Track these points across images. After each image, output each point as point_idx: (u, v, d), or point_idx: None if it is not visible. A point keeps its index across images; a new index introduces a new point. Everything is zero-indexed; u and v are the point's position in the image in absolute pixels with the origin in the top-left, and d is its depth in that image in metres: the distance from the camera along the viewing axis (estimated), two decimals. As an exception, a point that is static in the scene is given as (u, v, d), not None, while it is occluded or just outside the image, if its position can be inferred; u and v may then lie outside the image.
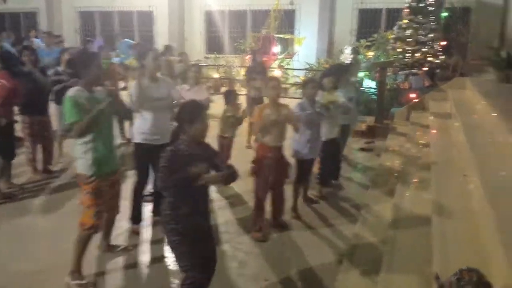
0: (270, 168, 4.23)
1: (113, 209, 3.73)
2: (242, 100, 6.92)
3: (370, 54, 11.93)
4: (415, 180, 5.06)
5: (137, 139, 4.23)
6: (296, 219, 4.74)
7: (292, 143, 4.75)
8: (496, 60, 7.94)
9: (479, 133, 5.33)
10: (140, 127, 4.17)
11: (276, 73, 12.37)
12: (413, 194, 4.70)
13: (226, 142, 5.65)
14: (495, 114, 5.35)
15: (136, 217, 4.40)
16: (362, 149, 7.71)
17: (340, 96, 5.16)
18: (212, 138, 4.05)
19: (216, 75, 13.31)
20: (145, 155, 4.16)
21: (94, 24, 16.60)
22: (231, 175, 2.84)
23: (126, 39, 13.45)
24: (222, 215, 4.82)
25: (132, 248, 4.08)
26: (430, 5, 10.75)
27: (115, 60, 10.27)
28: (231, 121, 5.53)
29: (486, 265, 2.50)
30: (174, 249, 2.86)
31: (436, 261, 2.90)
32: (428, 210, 3.85)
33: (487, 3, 12.19)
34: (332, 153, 5.39)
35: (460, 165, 4.76)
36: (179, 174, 2.64)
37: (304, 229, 4.58)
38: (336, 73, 5.63)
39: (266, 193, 4.36)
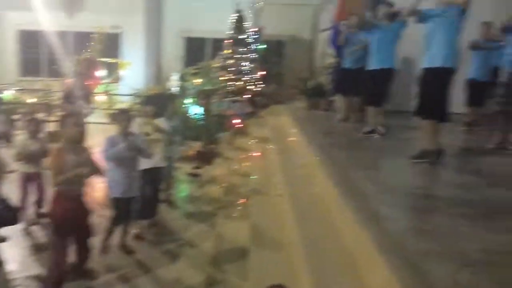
0: (68, 222, 3.52)
1: None
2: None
3: (197, 81, 12.28)
4: (237, 207, 5.12)
5: None
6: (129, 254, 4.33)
7: (107, 180, 4.27)
8: (305, 89, 8.90)
9: (291, 156, 5.89)
10: None
11: (100, 98, 11.84)
12: (234, 224, 4.68)
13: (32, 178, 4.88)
14: (303, 138, 5.96)
15: None
16: (190, 174, 7.82)
17: (161, 124, 5.06)
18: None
19: (31, 100, 12.10)
20: None
21: None
22: None
23: None
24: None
25: None
26: (250, 37, 11.61)
27: None
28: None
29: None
30: None
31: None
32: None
33: (298, 37, 13.69)
34: (152, 184, 5.03)
35: (276, 187, 5.14)
36: None
37: (117, 280, 3.85)
38: (159, 101, 5.64)
39: (64, 261, 3.59)
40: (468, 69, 6.42)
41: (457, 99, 4.41)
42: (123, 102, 12.12)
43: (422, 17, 4.33)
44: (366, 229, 2.72)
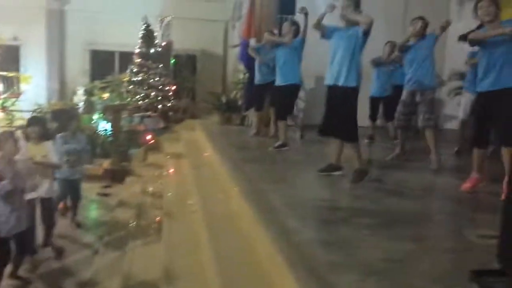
0: None
1: None
2: None
3: (105, 95, 11.82)
4: (149, 231, 4.82)
5: None
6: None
7: None
8: (218, 104, 8.94)
9: (205, 171, 5.85)
10: None
11: (-3, 115, 10.97)
12: (146, 251, 4.39)
13: None
14: (217, 153, 5.96)
15: None
16: (99, 194, 7.46)
17: (50, 150, 4.64)
18: None
19: None
20: None
21: None
22: None
23: None
24: None
25: None
26: (159, 51, 11.44)
27: None
28: None
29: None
30: None
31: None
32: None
33: (210, 52, 13.74)
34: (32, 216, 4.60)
35: (191, 204, 5.05)
36: None
37: None
38: (61, 117, 5.33)
39: None
40: (371, 86, 6.83)
41: (360, 113, 4.58)
42: (24, 119, 11.33)
43: (325, 32, 4.45)
44: (276, 243, 2.76)
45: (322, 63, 6.13)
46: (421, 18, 5.20)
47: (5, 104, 11.72)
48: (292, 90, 5.94)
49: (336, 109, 4.36)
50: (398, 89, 6.38)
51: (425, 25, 5.13)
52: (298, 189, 4.19)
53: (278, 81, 5.98)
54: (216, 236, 3.52)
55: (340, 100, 4.31)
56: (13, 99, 12.15)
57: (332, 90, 4.40)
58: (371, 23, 4.20)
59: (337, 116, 4.33)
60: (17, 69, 12.93)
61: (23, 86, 12.64)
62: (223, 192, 4.76)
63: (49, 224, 4.72)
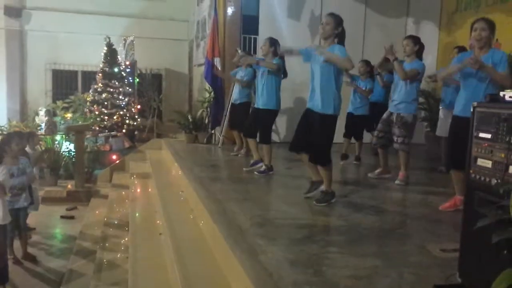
0: None
1: None
2: None
3: (68, 115, 11.58)
4: (113, 265, 4.57)
5: None
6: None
7: None
8: (185, 123, 8.89)
9: (172, 191, 5.79)
10: None
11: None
12: (111, 274, 4.28)
13: None
14: (184, 172, 5.91)
15: None
16: (63, 217, 7.25)
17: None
18: None
19: None
20: None
21: None
22: None
23: None
24: None
25: None
26: (123, 71, 11.32)
27: None
28: None
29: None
30: None
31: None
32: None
33: (175, 71, 13.72)
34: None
35: (158, 226, 4.98)
36: None
37: None
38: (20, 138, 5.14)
39: None
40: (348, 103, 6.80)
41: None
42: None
43: (303, 54, 4.30)
44: (243, 264, 2.74)
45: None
46: (410, 37, 5.24)
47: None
48: (272, 115, 5.82)
49: (309, 130, 4.24)
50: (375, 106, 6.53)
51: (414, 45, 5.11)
52: (266, 208, 4.19)
53: (258, 104, 5.77)
54: (183, 258, 3.48)
55: (317, 125, 4.17)
56: (-30, 121, 11.74)
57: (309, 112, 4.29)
58: (350, 68, 4.15)
59: (310, 137, 4.22)
60: (-26, 90, 12.53)
61: (-19, 107, 12.25)
62: (190, 213, 4.72)
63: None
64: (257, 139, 5.89)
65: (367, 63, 6.69)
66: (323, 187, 4.31)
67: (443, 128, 5.76)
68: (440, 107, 6.14)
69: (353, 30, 8.36)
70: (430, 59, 7.71)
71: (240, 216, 3.73)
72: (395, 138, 5.16)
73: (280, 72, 5.67)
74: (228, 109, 7.84)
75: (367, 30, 8.82)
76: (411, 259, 2.88)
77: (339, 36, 4.12)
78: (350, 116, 6.68)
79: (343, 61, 3.99)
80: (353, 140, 6.85)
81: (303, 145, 4.31)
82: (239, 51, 6.61)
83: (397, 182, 5.16)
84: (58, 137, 9.97)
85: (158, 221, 5.13)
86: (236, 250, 2.96)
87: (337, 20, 4.14)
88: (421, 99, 8.35)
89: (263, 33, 8.32)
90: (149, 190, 6.82)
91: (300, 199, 4.40)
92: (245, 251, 2.90)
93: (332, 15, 4.19)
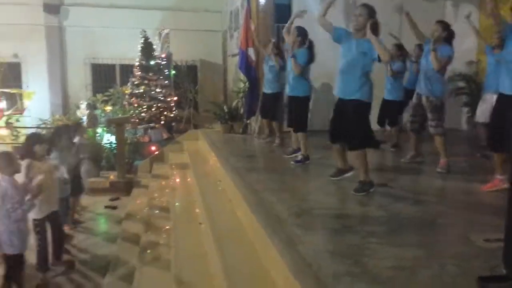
0: None
1: None
2: None
3: (108, 108, 11.91)
4: (156, 249, 4.70)
5: None
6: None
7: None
8: (220, 114, 8.96)
9: (209, 181, 5.87)
10: None
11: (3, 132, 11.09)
12: (154, 272, 4.27)
13: None
14: (221, 162, 5.98)
15: None
16: (107, 207, 7.52)
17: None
18: None
19: None
20: None
21: None
22: None
23: None
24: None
25: None
26: (159, 63, 11.52)
27: None
28: None
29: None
30: None
31: None
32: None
33: (210, 62, 13.83)
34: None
35: (197, 216, 5.06)
36: None
37: None
38: (66, 132, 5.37)
39: None
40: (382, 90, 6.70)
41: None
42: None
43: (332, 33, 4.21)
44: (282, 253, 2.77)
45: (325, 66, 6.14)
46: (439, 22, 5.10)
47: (9, 121, 11.83)
48: (303, 101, 5.81)
49: (344, 119, 4.23)
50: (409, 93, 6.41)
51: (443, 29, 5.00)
52: (303, 198, 4.19)
53: (289, 92, 5.86)
54: (223, 247, 3.54)
55: (350, 113, 4.16)
56: (17, 116, 12.27)
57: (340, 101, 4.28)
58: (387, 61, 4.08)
59: (345, 125, 4.22)
60: (19, 86, 13.06)
61: (26, 102, 12.76)
62: (228, 202, 4.78)
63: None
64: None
65: (399, 47, 6.54)
66: (349, 174, 4.42)
67: (482, 114, 5.65)
68: (484, 92, 5.92)
69: (389, 15, 8.17)
70: (469, 42, 7.42)
71: (278, 206, 3.76)
72: (429, 123, 5.11)
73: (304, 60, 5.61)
74: (260, 99, 7.84)
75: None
76: (454, 249, 2.83)
77: (372, 28, 4.02)
78: (382, 102, 6.60)
79: (384, 52, 3.91)
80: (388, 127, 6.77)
81: (341, 134, 4.30)
82: (273, 41, 6.62)
83: (438, 170, 5.05)
84: (99, 130, 10.27)
85: (197, 208, 5.23)
86: (275, 240, 2.98)
87: (370, 11, 4.06)
88: (462, 83, 8.14)
89: (296, 21, 8.24)
90: (188, 180, 6.94)
91: (337, 189, 4.38)
92: (284, 241, 2.93)
93: (365, 5, 4.13)
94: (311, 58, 5.73)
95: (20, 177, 4.14)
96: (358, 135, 4.14)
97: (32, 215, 4.47)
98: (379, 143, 6.39)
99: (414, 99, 5.34)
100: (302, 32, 5.65)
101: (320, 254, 2.70)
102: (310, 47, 5.70)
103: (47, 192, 4.50)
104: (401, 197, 4.10)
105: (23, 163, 4.31)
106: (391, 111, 6.62)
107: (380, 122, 6.74)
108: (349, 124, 4.17)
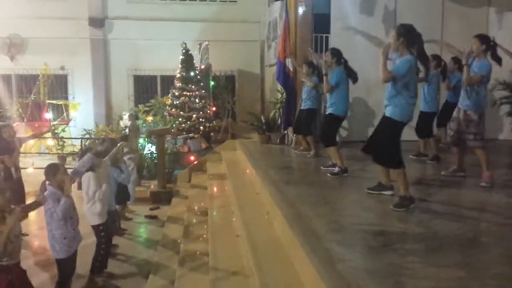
0: None
1: None
2: None
3: (149, 118, 12.23)
4: (196, 257, 4.80)
5: None
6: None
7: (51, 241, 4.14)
8: (258, 124, 9.04)
9: (247, 193, 5.92)
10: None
11: (50, 143, 11.63)
12: (194, 278, 4.39)
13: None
14: (258, 173, 6.03)
15: None
16: (147, 217, 7.70)
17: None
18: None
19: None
20: None
21: None
22: None
23: None
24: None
25: None
26: (198, 74, 11.76)
27: None
28: None
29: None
30: None
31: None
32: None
33: (248, 72, 13.98)
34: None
35: (234, 226, 5.14)
36: None
37: None
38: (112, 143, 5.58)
39: None
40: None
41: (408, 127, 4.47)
42: (75, 145, 11.89)
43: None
44: (320, 272, 2.77)
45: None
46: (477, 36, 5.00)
47: (56, 131, 12.35)
48: (334, 120, 5.90)
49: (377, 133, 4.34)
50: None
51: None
52: (342, 213, 4.17)
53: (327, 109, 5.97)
54: (260, 262, 3.57)
55: (382, 127, 4.27)
56: (63, 126, 12.80)
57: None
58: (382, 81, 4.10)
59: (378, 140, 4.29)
60: (65, 97, 13.65)
61: (71, 113, 13.32)
62: (265, 215, 4.81)
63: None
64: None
65: (455, 60, 6.34)
66: (387, 192, 4.42)
67: None
68: None
69: (431, 22, 8.05)
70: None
71: (315, 221, 3.76)
72: (467, 136, 5.05)
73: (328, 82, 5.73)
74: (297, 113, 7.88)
75: (446, 21, 8.40)
76: (497, 270, 2.76)
77: (406, 44, 4.04)
78: (420, 113, 6.52)
79: (382, 74, 3.99)
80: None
81: (369, 146, 4.39)
82: (311, 51, 6.68)
83: (482, 184, 4.91)
84: (141, 140, 10.57)
85: (234, 220, 5.29)
86: (313, 257, 2.98)
87: (399, 31, 4.09)
88: (506, 93, 7.88)
89: (335, 31, 8.25)
90: (226, 189, 7.02)
91: (376, 203, 4.33)
92: (322, 259, 2.92)
93: (397, 27, 4.20)
94: (350, 76, 5.85)
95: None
96: (384, 149, 4.23)
97: (93, 222, 4.85)
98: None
99: (455, 113, 5.26)
100: (335, 53, 5.82)
101: (359, 273, 2.70)
102: (345, 66, 5.82)
103: (106, 200, 4.90)
104: (442, 213, 4.02)
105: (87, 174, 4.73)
106: (424, 122, 6.54)
107: (417, 133, 6.69)
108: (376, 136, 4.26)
